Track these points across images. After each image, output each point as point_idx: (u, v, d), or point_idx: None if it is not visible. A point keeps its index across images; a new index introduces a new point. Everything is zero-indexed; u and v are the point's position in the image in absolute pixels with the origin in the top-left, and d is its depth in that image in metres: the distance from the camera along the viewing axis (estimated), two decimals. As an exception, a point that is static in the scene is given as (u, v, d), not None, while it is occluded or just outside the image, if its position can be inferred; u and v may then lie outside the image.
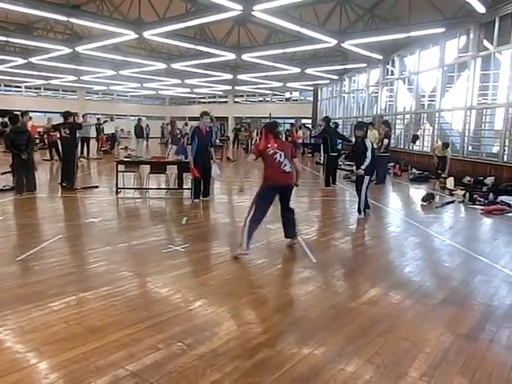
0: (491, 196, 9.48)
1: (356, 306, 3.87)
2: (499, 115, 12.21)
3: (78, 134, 10.71)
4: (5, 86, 33.92)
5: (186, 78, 26.14)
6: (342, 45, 14.36)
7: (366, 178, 7.60)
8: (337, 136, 12.13)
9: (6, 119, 21.41)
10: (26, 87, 34.68)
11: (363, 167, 7.46)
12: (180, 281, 4.38)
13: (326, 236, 6.61)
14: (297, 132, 23.62)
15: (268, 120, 17.71)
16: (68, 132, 10.10)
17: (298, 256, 5.41)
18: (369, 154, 7.44)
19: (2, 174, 11.25)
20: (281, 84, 27.50)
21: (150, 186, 10.26)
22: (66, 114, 10.36)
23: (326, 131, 11.99)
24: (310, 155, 21.69)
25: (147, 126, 31.97)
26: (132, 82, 29.27)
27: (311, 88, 29.99)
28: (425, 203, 9.37)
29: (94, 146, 19.62)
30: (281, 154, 5.25)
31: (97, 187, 10.38)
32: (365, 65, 20.03)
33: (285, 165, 5.25)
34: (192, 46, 16.30)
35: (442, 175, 12.02)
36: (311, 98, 31.28)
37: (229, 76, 24.18)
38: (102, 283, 4.20)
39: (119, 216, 8.05)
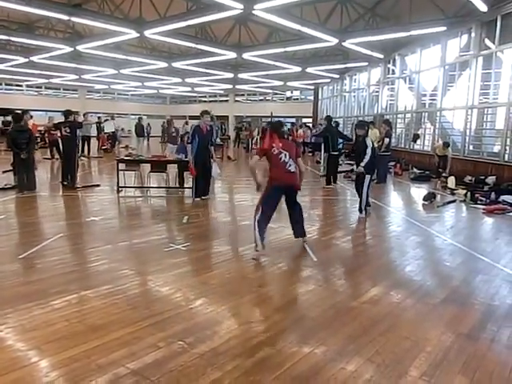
0: (493, 195, 9.47)
1: (357, 305, 3.88)
2: (500, 114, 12.19)
3: (78, 133, 10.72)
4: (6, 84, 33.98)
5: (186, 76, 26.16)
6: (343, 44, 14.36)
7: (367, 177, 7.60)
8: (338, 135, 12.13)
9: (9, 118, 21.51)
10: (27, 86, 34.72)
11: (363, 164, 7.46)
12: (181, 279, 4.38)
13: (327, 235, 6.61)
14: (297, 131, 23.61)
15: (269, 119, 17.67)
16: (68, 131, 10.11)
17: (298, 255, 5.41)
18: (368, 151, 7.44)
19: (4, 172, 11.26)
20: (281, 83, 27.50)
21: (151, 185, 10.27)
22: (66, 113, 10.37)
23: (327, 130, 11.99)
24: (310, 154, 21.67)
25: (148, 124, 31.99)
26: (133, 80, 29.29)
27: (312, 87, 29.98)
28: (426, 202, 9.36)
29: (94, 144, 19.63)
30: (286, 154, 5.21)
31: (98, 186, 10.39)
32: (366, 64, 20.01)
33: (290, 165, 5.21)
34: (193, 45, 16.30)
35: (443, 174, 12.01)
36: (312, 97, 31.29)
37: (229, 75, 24.19)
38: (104, 281, 4.21)
39: (120, 215, 8.05)
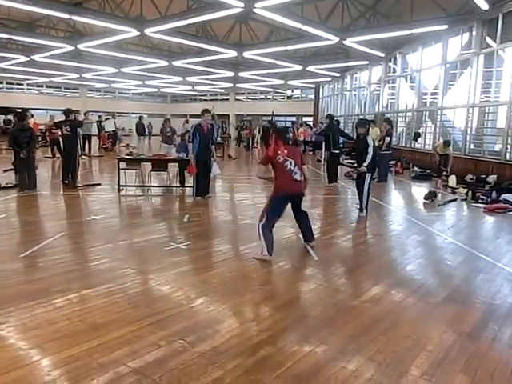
0: (494, 194, 9.46)
1: (358, 304, 3.88)
2: (502, 113, 12.16)
3: (80, 132, 10.72)
4: (7, 83, 33.96)
5: (187, 75, 26.15)
6: (344, 42, 14.34)
7: (368, 176, 7.59)
8: (339, 133, 12.13)
9: (10, 117, 21.55)
10: (28, 85, 34.73)
11: (365, 164, 7.44)
12: (182, 278, 4.38)
13: (328, 234, 6.61)
14: (298, 130, 23.60)
15: (270, 118, 17.64)
16: (69, 129, 10.12)
17: (299, 254, 5.41)
18: (370, 150, 7.42)
19: (5, 171, 11.28)
20: (282, 82, 27.48)
21: (152, 184, 10.27)
22: (67, 112, 10.38)
23: (329, 128, 11.99)
24: (311, 153, 21.67)
25: (150, 123, 32.00)
26: (133, 79, 29.30)
27: (313, 86, 29.97)
28: (427, 201, 9.36)
29: (95, 143, 19.64)
30: (291, 162, 5.14)
31: (99, 185, 10.40)
32: (366, 62, 19.99)
33: (295, 173, 5.14)
34: (193, 44, 16.29)
35: (444, 173, 12.01)
36: (313, 96, 31.27)
37: (230, 73, 24.19)
38: (105, 280, 4.21)
39: (121, 213, 8.06)
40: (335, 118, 13.39)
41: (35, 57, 19.67)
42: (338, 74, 24.04)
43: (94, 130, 19.82)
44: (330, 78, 25.93)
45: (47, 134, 17.48)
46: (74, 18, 12.93)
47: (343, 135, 12.65)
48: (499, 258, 5.37)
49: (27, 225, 6.63)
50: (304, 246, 5.57)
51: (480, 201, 9.33)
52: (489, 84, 12.70)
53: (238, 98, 40.37)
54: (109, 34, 14.73)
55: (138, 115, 25.60)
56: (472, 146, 13.46)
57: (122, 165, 9.68)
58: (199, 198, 8.86)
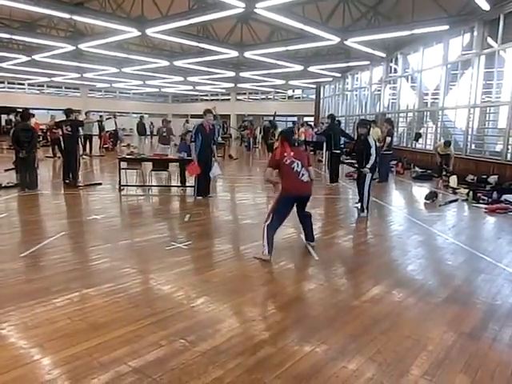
0: (495, 195, 9.45)
1: (358, 304, 3.87)
2: (503, 113, 12.15)
3: (80, 132, 10.73)
4: (8, 83, 33.99)
5: (188, 75, 26.16)
6: (345, 42, 14.34)
7: (368, 176, 7.60)
8: (340, 134, 12.12)
9: (11, 116, 21.57)
10: (29, 84, 34.76)
11: (369, 166, 7.45)
12: (182, 278, 4.38)
13: (329, 234, 6.60)
14: (299, 130, 23.59)
15: (272, 118, 17.66)
16: (69, 129, 10.12)
17: (300, 254, 5.41)
18: (373, 151, 7.43)
19: (6, 170, 11.29)
20: (283, 82, 27.49)
21: (153, 184, 10.27)
22: (67, 112, 10.39)
23: (330, 128, 11.99)
24: (311, 153, 21.66)
25: (151, 123, 32.01)
26: (135, 79, 29.31)
27: (314, 86, 29.97)
28: (428, 201, 9.35)
29: (96, 143, 19.65)
30: (298, 164, 5.15)
31: (100, 184, 10.40)
32: (368, 62, 19.98)
33: (302, 174, 5.16)
34: (195, 44, 16.29)
35: (445, 173, 12.03)
36: (314, 96, 31.26)
37: (231, 73, 24.19)
38: (105, 280, 4.21)
39: (122, 213, 8.06)
40: (336, 118, 13.39)
41: (36, 57, 19.69)
42: (339, 75, 24.04)
43: (96, 130, 19.85)
44: (331, 79, 25.94)
45: (48, 133, 17.50)
46: (75, 17, 12.94)
47: (344, 135, 12.64)
48: (500, 259, 5.36)
49: (28, 224, 6.64)
50: (305, 246, 5.57)
51: (481, 201, 9.32)
52: (490, 84, 12.69)
53: (239, 98, 40.40)
54: (110, 34, 14.74)
55: (139, 115, 25.56)
56: (473, 147, 13.45)
57: (123, 164, 9.68)
58: (200, 197, 8.86)
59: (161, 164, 9.91)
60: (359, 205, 7.81)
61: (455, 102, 14.40)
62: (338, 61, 20.38)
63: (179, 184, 9.99)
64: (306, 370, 2.77)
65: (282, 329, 3.36)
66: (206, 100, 41.70)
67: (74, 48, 16.88)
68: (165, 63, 20.59)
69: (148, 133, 27.58)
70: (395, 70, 19.10)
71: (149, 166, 10.22)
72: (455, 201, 9.60)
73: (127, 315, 3.47)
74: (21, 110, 10.94)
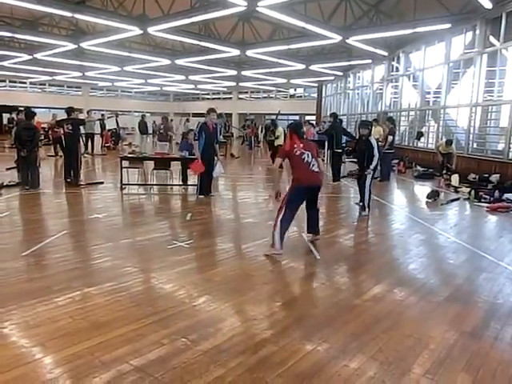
0: (497, 193, 9.44)
1: (360, 302, 3.87)
2: (505, 112, 12.12)
3: (82, 130, 10.73)
4: (10, 81, 34.01)
5: (190, 74, 26.13)
6: (347, 41, 14.31)
7: (369, 175, 7.60)
8: (342, 132, 12.11)
9: (14, 115, 21.60)
10: (30, 83, 34.76)
11: (372, 167, 7.47)
12: (184, 277, 4.39)
13: (330, 233, 6.59)
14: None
15: (275, 116, 17.67)
16: (71, 128, 10.13)
17: (302, 253, 5.41)
18: (376, 152, 7.44)
19: (8, 169, 11.31)
20: (285, 80, 27.47)
21: (155, 182, 10.28)
22: (68, 110, 10.40)
23: (332, 128, 11.97)
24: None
25: (154, 122, 32.06)
26: (136, 78, 29.30)
27: (315, 84, 29.92)
28: (430, 200, 9.34)
29: (98, 142, 19.67)
30: (308, 154, 5.20)
31: (101, 183, 10.41)
32: (369, 61, 19.94)
33: (313, 165, 5.21)
34: (196, 42, 16.28)
35: (445, 171, 12.04)
36: (315, 95, 31.22)
37: (233, 72, 24.16)
38: (107, 279, 4.22)
39: (124, 212, 8.07)
40: (338, 117, 13.38)
41: (38, 55, 19.70)
42: (340, 73, 23.98)
43: (97, 129, 19.86)
44: (332, 77, 25.89)
45: (50, 132, 17.53)
46: (77, 16, 12.93)
47: (346, 134, 12.63)
48: (502, 257, 5.36)
49: (29, 223, 6.65)
50: (307, 245, 5.57)
51: (483, 200, 9.31)
52: (492, 83, 12.65)
53: (240, 96, 40.38)
54: (111, 33, 14.74)
55: (141, 114, 25.59)
56: (475, 145, 13.42)
57: (125, 163, 9.68)
58: (202, 196, 8.86)
59: (162, 163, 9.91)
60: (360, 204, 7.81)
61: (457, 100, 14.37)
62: (339, 59, 20.35)
63: (181, 183, 9.99)
64: (307, 369, 2.77)
65: (284, 327, 3.36)
66: (208, 99, 41.74)
67: (76, 46, 16.88)
68: (166, 62, 20.59)
69: (150, 131, 27.62)
70: (397, 68, 19.06)
71: (151, 164, 10.22)
72: (457, 199, 9.59)
73: (129, 314, 3.47)
74: (22, 108, 10.95)
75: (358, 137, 8.47)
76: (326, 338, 3.17)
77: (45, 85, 35.76)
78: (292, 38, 15.96)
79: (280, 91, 37.05)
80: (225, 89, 37.45)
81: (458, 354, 3.02)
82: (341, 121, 12.94)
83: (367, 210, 7.67)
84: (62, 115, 11.25)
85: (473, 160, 12.68)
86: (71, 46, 16.98)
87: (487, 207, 8.66)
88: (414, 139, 16.91)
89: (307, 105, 32.67)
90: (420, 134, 15.92)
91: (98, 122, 19.51)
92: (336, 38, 13.95)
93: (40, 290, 3.87)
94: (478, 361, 2.95)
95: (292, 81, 27.81)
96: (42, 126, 17.66)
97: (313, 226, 5.71)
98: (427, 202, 9.27)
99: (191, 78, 27.34)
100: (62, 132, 10.82)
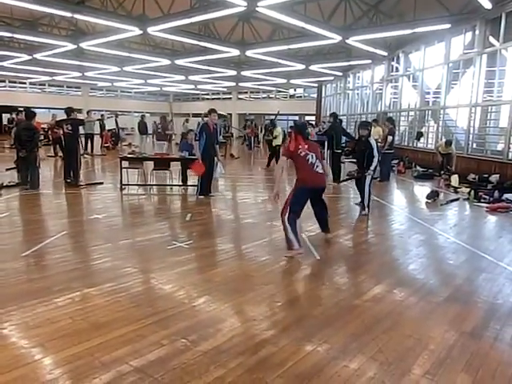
0: (496, 194, 9.44)
1: (360, 303, 3.87)
2: (504, 112, 12.12)
3: (81, 131, 10.72)
4: (10, 82, 34.00)
5: (189, 74, 26.13)
6: (347, 41, 14.31)
7: (369, 176, 7.61)
8: (342, 133, 12.10)
9: (14, 115, 21.62)
10: (30, 83, 34.74)
11: (372, 168, 7.48)
12: (184, 277, 4.39)
13: (330, 233, 6.58)
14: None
15: (274, 117, 17.68)
16: (70, 128, 10.12)
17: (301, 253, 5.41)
18: (375, 153, 7.45)
19: (7, 170, 11.31)
20: (285, 80, 27.46)
21: (154, 183, 10.27)
22: (68, 110, 10.39)
23: (332, 128, 11.97)
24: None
25: (155, 122, 32.06)
26: (136, 78, 29.28)
27: (315, 85, 29.92)
28: (429, 201, 9.34)
29: (98, 142, 19.67)
30: (312, 156, 5.21)
31: (101, 183, 10.41)
32: (369, 61, 19.94)
33: (317, 166, 5.22)
34: (196, 42, 16.27)
35: (442, 172, 12.05)
36: (315, 95, 31.23)
37: (233, 72, 24.16)
38: (107, 279, 4.22)
39: (123, 212, 8.07)
40: (338, 117, 13.38)
41: (38, 55, 19.67)
42: (340, 73, 23.99)
43: (97, 129, 19.85)
44: (332, 77, 25.89)
45: (49, 132, 17.53)
46: (77, 16, 12.91)
47: (345, 134, 12.63)
48: (501, 258, 5.36)
49: (29, 223, 6.65)
50: (307, 245, 5.57)
51: (482, 200, 9.31)
52: (491, 83, 12.65)
53: (240, 96, 40.37)
54: (111, 33, 14.73)
55: (141, 114, 25.60)
56: (474, 146, 13.43)
57: (125, 164, 9.68)
58: (202, 196, 8.86)
59: (162, 163, 9.91)
60: (361, 204, 7.82)
61: (457, 100, 14.37)
62: (339, 59, 20.36)
63: (181, 183, 9.99)
64: (307, 369, 2.78)
65: (284, 328, 3.36)
66: (207, 99, 41.75)
67: (76, 47, 16.86)
68: (166, 62, 20.58)
69: (150, 132, 27.63)
70: (397, 68, 19.06)
71: (150, 165, 10.22)
72: (456, 200, 9.59)
73: (129, 315, 3.47)
74: (21, 108, 10.96)
75: (357, 137, 8.47)
76: (326, 339, 3.17)
77: (44, 85, 35.73)
78: (292, 38, 15.96)
79: (280, 91, 37.05)
80: (224, 89, 37.45)
81: (457, 355, 3.02)
82: (341, 121, 12.94)
83: (367, 209, 7.68)
84: (62, 115, 11.25)
85: (472, 160, 12.68)
86: (71, 47, 16.97)
87: (487, 207, 8.66)
88: (413, 139, 16.91)
89: (307, 105, 32.67)
90: (420, 135, 15.92)
91: (98, 122, 19.50)
92: (336, 38, 13.94)
93: (40, 291, 3.86)
94: (478, 361, 2.95)
95: (292, 81, 27.80)
96: (42, 126, 17.66)
97: (324, 225, 5.79)
98: (427, 203, 9.27)
99: (191, 78, 27.33)
100: (61, 132, 10.81)
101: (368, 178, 7.59)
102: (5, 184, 9.41)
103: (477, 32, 12.87)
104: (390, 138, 12.28)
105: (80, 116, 14.90)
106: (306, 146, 5.24)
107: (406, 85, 18.28)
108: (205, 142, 8.57)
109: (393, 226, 7.30)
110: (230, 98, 40.34)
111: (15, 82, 34.19)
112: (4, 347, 2.95)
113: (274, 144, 14.59)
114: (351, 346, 3.09)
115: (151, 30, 13.60)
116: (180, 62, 20.58)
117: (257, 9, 11.12)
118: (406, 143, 18.01)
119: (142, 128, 20.44)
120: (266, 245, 5.68)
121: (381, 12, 14.55)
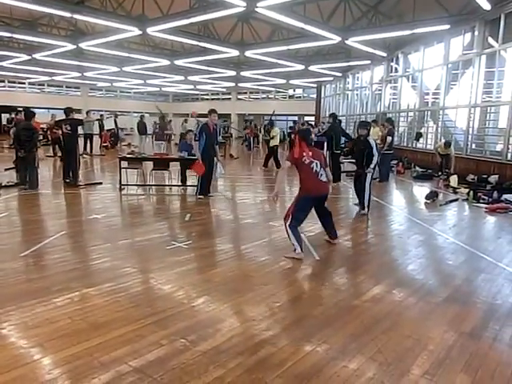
0: (495, 194, 9.45)
1: (359, 303, 3.87)
2: (503, 113, 12.14)
3: (80, 131, 10.71)
4: (9, 82, 33.98)
5: (189, 74, 26.13)
6: (346, 42, 14.32)
7: (368, 175, 7.61)
8: (341, 133, 12.10)
9: (13, 115, 21.60)
10: (29, 83, 34.73)
11: (372, 166, 7.49)
12: (183, 277, 4.38)
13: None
14: (299, 129, 23.55)
15: (270, 117, 17.69)
16: (69, 128, 10.11)
17: (300, 253, 5.41)
18: (375, 152, 7.47)
19: (6, 169, 11.30)
20: (284, 81, 27.47)
21: (154, 183, 10.27)
22: (67, 110, 10.37)
23: (331, 129, 11.97)
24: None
25: (155, 122, 32.07)
26: (135, 78, 29.28)
27: (315, 85, 29.95)
28: (428, 201, 9.35)
29: (97, 142, 19.67)
30: (317, 164, 5.18)
31: (100, 183, 10.40)
32: (368, 62, 19.96)
33: (321, 174, 5.20)
34: (195, 43, 16.27)
35: (440, 173, 12.06)
36: (314, 96, 31.25)
37: (232, 73, 24.17)
38: (106, 279, 4.21)
39: (123, 212, 8.06)
40: (338, 118, 13.38)
41: (37, 55, 19.66)
42: (339, 74, 24.01)
43: (96, 129, 19.85)
44: (331, 78, 25.91)
45: (49, 132, 17.52)
46: (76, 16, 12.90)
47: (345, 135, 12.63)
48: (500, 258, 5.36)
49: (28, 223, 6.64)
50: (306, 246, 5.56)
51: (481, 201, 9.31)
52: (490, 84, 12.68)
53: (239, 97, 40.39)
54: (110, 33, 14.72)
55: (140, 114, 25.60)
56: (473, 146, 13.45)
57: (124, 164, 9.68)
58: (201, 196, 8.86)
59: (161, 163, 9.90)
60: (359, 205, 7.84)
61: (456, 101, 14.39)
62: (338, 60, 20.37)
63: (180, 183, 9.99)
64: (306, 370, 2.77)
65: (283, 328, 3.36)
66: (207, 99, 41.75)
67: (75, 47, 16.85)
68: (165, 62, 20.57)
69: (149, 132, 27.64)
70: (396, 69, 19.09)
71: (149, 165, 10.22)
72: (456, 200, 9.60)
73: (128, 315, 3.47)
74: (21, 108, 10.95)
75: (356, 137, 8.48)
76: (325, 339, 3.17)
77: (44, 85, 35.73)
78: (291, 39, 15.96)
79: (279, 92, 37.09)
80: (224, 89, 37.46)
81: (456, 355, 3.02)
82: (340, 121, 12.95)
83: (367, 209, 7.69)
84: (61, 115, 11.24)
85: (471, 161, 12.70)
86: (70, 47, 16.96)
87: (486, 208, 8.67)
88: (412, 140, 16.93)
89: (306, 105, 32.70)
90: (419, 135, 15.93)
91: (97, 122, 19.49)
92: (335, 38, 13.95)
93: (39, 291, 3.86)
94: (477, 361, 2.95)
95: (291, 81, 27.81)
96: (41, 126, 17.65)
97: (332, 233, 5.79)
98: (426, 203, 9.28)
99: (190, 78, 27.34)
100: (60, 132, 10.80)
101: (368, 176, 7.60)
102: (4, 184, 9.40)
103: (476, 33, 12.89)
104: (389, 138, 12.28)
105: (79, 116, 14.90)
106: (311, 153, 5.21)
107: (405, 85, 18.31)
108: (204, 143, 8.57)
109: (392, 227, 7.31)
110: (230, 98, 40.36)
111: (14, 82, 34.19)
112: (3, 347, 2.94)
113: (271, 144, 14.60)
114: (350, 346, 3.09)
115: (150, 30, 13.59)
116: (179, 62, 20.58)
117: (256, 9, 11.12)
118: (405, 144, 18.04)
119: (142, 128, 20.45)
120: (266, 245, 5.68)
121: (380, 13, 14.56)
